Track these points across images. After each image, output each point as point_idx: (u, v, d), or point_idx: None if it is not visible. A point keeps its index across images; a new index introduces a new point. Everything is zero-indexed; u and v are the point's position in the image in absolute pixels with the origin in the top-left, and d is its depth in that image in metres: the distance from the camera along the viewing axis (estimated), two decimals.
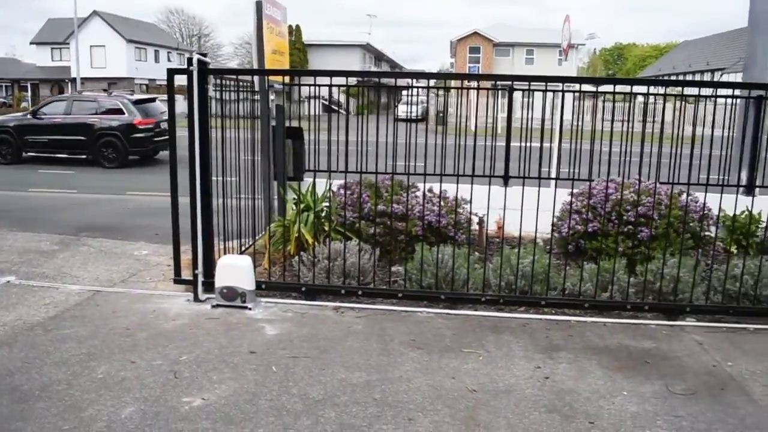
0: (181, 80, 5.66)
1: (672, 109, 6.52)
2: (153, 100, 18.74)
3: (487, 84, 8.07)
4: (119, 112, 17.04)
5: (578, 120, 6.32)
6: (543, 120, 6.35)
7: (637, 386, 4.25)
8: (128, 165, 17.05)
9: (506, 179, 7.93)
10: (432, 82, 6.98)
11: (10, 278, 6.34)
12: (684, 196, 6.45)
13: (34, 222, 8.97)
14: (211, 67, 5.60)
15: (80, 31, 47.71)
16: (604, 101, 6.75)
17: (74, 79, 47.65)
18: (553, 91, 6.51)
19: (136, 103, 17.38)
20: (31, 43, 57.72)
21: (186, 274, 5.87)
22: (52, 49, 55.50)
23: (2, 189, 12.43)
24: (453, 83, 8.83)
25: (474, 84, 7.93)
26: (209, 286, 5.68)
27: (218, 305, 5.52)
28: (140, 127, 16.88)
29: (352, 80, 6.32)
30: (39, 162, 17.28)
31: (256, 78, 6.86)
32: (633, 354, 4.79)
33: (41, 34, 57.30)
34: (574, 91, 6.35)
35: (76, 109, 17.37)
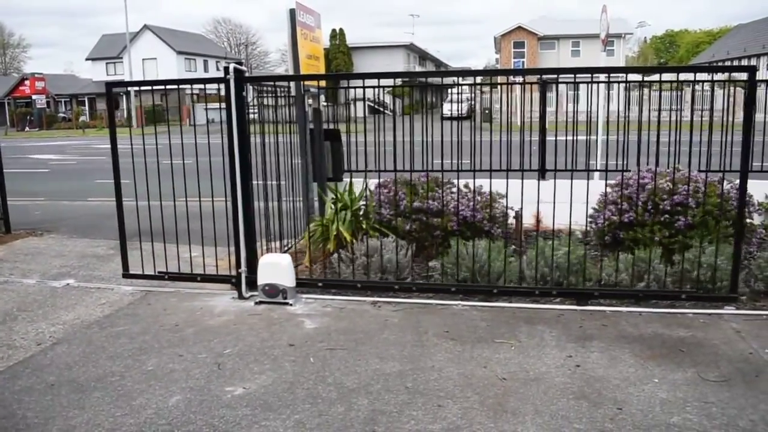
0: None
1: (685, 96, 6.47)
2: None
3: (519, 79, 8.12)
4: None
5: (621, 110, 6.33)
6: (557, 111, 6.38)
7: (668, 374, 4.28)
8: None
9: (542, 172, 7.99)
10: (472, 80, 7.10)
11: (69, 281, 6.76)
12: (724, 183, 6.39)
13: (92, 229, 9.45)
14: (248, 75, 5.86)
15: (132, 45, 49.44)
16: (650, 90, 6.72)
17: (128, 92, 49.34)
18: (588, 83, 6.55)
19: None
20: (86, 59, 60.02)
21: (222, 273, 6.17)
22: (106, 63, 57.56)
23: (64, 199, 13.07)
24: (484, 79, 8.91)
25: (515, 79, 7.98)
26: (252, 284, 5.95)
27: (261, 302, 5.78)
28: None
29: (395, 81, 6.50)
30: (95, 173, 18.05)
31: (292, 83, 7.10)
32: (667, 342, 4.81)
33: (96, 49, 59.50)
34: (604, 82, 6.37)
35: None
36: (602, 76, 7.14)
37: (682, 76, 6.09)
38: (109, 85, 6.48)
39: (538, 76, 8.10)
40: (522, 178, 6.15)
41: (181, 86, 6.42)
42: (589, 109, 6.34)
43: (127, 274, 6.51)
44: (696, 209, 6.19)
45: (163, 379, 4.31)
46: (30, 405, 4.01)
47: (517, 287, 5.82)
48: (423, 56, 61.46)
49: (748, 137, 5.33)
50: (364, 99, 6.76)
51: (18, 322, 5.55)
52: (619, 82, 7.35)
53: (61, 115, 56.77)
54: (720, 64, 50.36)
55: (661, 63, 77.72)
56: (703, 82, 6.80)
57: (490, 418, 3.74)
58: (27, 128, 51.43)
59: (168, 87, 6.43)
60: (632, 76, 6.86)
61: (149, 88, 6.42)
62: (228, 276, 6.31)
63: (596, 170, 9.12)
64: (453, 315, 5.44)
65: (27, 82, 53.76)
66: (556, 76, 7.62)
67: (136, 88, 6.42)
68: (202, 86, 6.71)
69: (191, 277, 6.34)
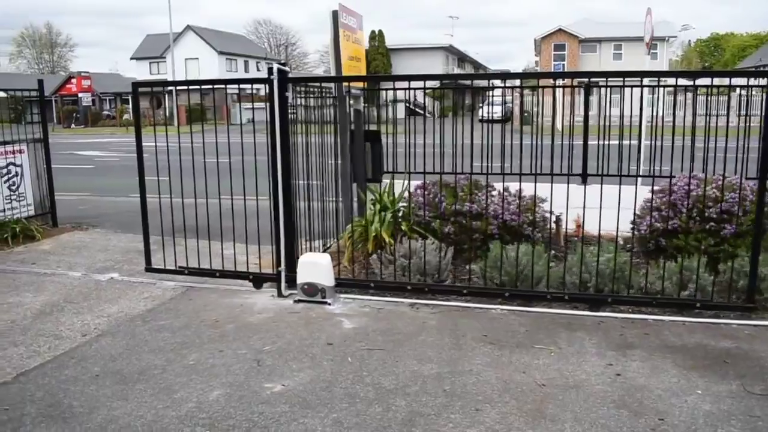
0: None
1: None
2: None
3: (566, 82, 8.04)
4: None
5: (667, 115, 6.23)
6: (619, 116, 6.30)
7: (712, 385, 4.19)
8: None
9: (584, 177, 7.89)
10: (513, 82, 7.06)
11: (114, 275, 6.93)
12: None
13: (135, 224, 9.55)
14: (290, 75, 5.92)
15: (175, 45, 50.35)
16: (694, 94, 6.57)
17: (171, 90, 50.29)
18: (632, 87, 6.45)
19: None
20: (131, 59, 61.32)
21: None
22: (150, 63, 58.72)
23: (107, 195, 13.38)
24: (531, 82, 8.83)
25: (556, 82, 7.87)
26: (292, 282, 6.01)
27: (300, 300, 5.84)
28: None
29: (434, 83, 6.51)
30: None
31: (333, 84, 7.14)
32: (711, 353, 4.71)
33: (140, 49, 60.73)
34: (648, 86, 6.27)
35: None
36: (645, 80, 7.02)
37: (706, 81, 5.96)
38: (135, 85, 6.68)
39: (581, 79, 7.98)
40: (554, 182, 6.09)
41: (218, 86, 6.47)
42: (629, 113, 6.24)
43: (149, 269, 6.69)
44: (743, 217, 6.04)
45: (203, 374, 4.39)
46: (75, 394, 4.12)
47: (529, 290, 5.81)
48: (462, 58, 61.20)
49: (767, 143, 5.21)
50: (405, 100, 6.76)
51: (64, 313, 5.70)
52: (664, 86, 7.22)
53: (106, 112, 58.01)
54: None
55: (705, 67, 75.97)
56: (720, 86, 6.63)
57: (528, 423, 3.72)
58: (73, 125, 52.74)
59: (207, 87, 6.51)
60: (672, 81, 6.73)
61: (185, 87, 6.55)
62: (246, 273, 6.44)
63: (639, 176, 8.96)
64: (491, 319, 5.41)
65: (73, 81, 55.08)
66: (587, 80, 7.49)
67: (181, 88, 6.56)
68: (243, 86, 6.77)
69: (210, 273, 6.45)
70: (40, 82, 9.54)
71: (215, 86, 6.38)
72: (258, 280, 6.31)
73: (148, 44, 60.50)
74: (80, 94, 53.43)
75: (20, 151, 9.12)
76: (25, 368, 4.53)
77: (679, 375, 4.34)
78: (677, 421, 3.74)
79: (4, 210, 8.80)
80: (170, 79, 50.08)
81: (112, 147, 30.11)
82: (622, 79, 5.75)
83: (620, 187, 5.93)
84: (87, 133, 45.60)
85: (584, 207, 5.65)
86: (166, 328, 5.29)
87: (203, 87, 6.50)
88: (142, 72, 59.03)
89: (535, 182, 6.05)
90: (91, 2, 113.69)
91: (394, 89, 7.13)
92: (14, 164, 9.01)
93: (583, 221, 5.87)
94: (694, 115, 5.74)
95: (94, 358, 4.69)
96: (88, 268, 7.22)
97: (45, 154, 9.55)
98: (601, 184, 5.84)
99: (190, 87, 7.01)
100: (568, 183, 6.06)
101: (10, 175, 8.95)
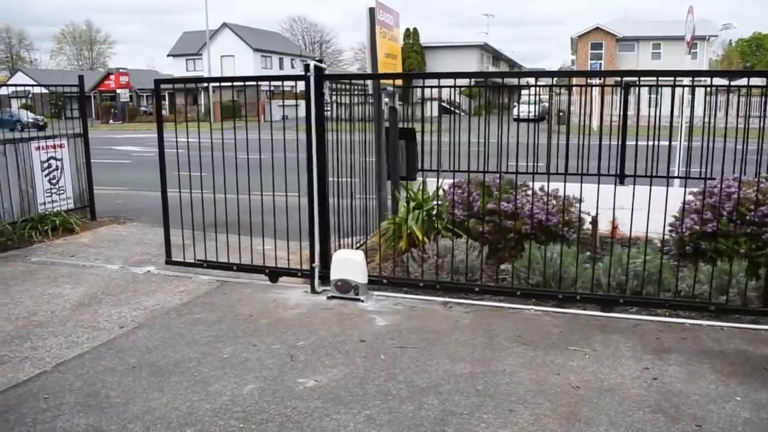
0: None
1: None
2: None
3: (600, 80, 7.93)
4: None
5: (707, 116, 6.09)
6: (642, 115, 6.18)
7: (752, 392, 4.09)
8: None
9: (621, 177, 7.77)
10: (547, 81, 6.98)
11: (150, 268, 7.04)
12: None
13: (171, 219, 9.76)
14: (327, 72, 5.94)
15: (212, 42, 50.90)
16: (738, 95, 6.43)
17: (207, 87, 50.86)
18: (673, 86, 6.32)
19: None
20: (168, 56, 62.18)
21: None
22: (186, 60, 59.43)
23: (143, 190, 13.59)
24: (568, 81, 8.73)
25: (592, 81, 7.78)
26: (325, 279, 6.04)
27: (333, 297, 5.86)
28: None
29: (468, 81, 6.47)
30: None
31: (369, 81, 7.15)
32: (751, 359, 4.60)
33: (177, 46, 61.52)
34: (687, 86, 6.14)
35: None
36: (686, 80, 6.88)
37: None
38: (158, 82, 6.87)
39: (619, 79, 7.86)
40: (580, 183, 6.00)
41: (252, 83, 6.53)
42: (667, 113, 6.12)
43: (169, 261, 6.85)
44: None
45: (237, 368, 4.43)
46: (113, 385, 4.20)
47: (542, 290, 5.77)
48: (497, 57, 60.76)
49: None
50: (439, 98, 6.74)
51: (102, 305, 5.82)
52: (705, 86, 7.06)
53: (143, 108, 58.97)
54: None
55: (747, 67, 74.14)
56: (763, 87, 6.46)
57: (562, 426, 3.68)
58: (111, 121, 53.75)
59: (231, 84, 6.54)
60: (716, 81, 6.58)
61: (211, 84, 6.61)
62: (262, 267, 6.47)
63: (677, 177, 8.80)
64: (525, 319, 5.37)
65: (112, 77, 56.13)
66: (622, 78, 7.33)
67: (215, 84, 6.62)
68: (278, 83, 6.81)
69: (228, 266, 6.56)
70: (81, 78, 9.72)
71: (238, 83, 6.40)
72: (274, 275, 6.37)
73: (184, 41, 61.27)
74: (118, 90, 54.42)
75: (60, 146, 9.33)
76: (64, 358, 4.64)
77: (717, 381, 4.25)
78: (715, 428, 3.66)
79: (44, 203, 9.00)
80: (206, 75, 50.69)
81: (148, 142, 30.54)
82: (658, 78, 5.64)
83: (643, 188, 5.82)
84: (125, 128, 46.41)
85: (610, 207, 5.57)
86: (201, 321, 5.36)
87: (222, 84, 6.51)
88: (178, 69, 59.80)
89: (567, 181, 5.98)
90: (129, 0, 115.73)
91: (435, 86, 7.10)
92: (55, 158, 9.22)
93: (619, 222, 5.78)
94: (744, 116, 5.61)
95: (131, 350, 4.77)
96: (126, 261, 7.35)
97: (84, 149, 9.74)
98: (652, 185, 5.75)
99: (217, 84, 7.07)
100: (582, 182, 5.97)
101: (50, 169, 9.15)
